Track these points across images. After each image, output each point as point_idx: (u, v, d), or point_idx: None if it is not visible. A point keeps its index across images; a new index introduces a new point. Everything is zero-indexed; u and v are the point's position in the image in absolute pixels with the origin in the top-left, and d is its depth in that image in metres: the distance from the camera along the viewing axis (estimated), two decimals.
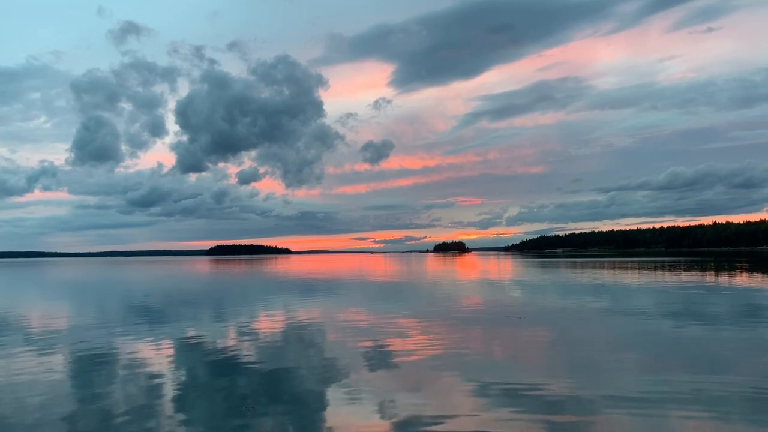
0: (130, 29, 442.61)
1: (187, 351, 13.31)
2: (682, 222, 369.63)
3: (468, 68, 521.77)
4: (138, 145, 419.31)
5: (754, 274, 42.85)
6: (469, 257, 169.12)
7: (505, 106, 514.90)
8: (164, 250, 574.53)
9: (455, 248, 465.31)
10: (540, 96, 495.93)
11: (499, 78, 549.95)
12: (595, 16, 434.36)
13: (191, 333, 16.15)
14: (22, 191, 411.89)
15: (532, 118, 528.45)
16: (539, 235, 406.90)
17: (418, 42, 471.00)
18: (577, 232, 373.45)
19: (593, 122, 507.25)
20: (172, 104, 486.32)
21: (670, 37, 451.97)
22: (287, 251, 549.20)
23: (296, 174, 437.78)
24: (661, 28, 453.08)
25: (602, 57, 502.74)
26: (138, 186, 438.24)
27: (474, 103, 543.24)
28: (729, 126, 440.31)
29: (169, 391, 9.53)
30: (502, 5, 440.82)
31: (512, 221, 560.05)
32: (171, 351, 13.38)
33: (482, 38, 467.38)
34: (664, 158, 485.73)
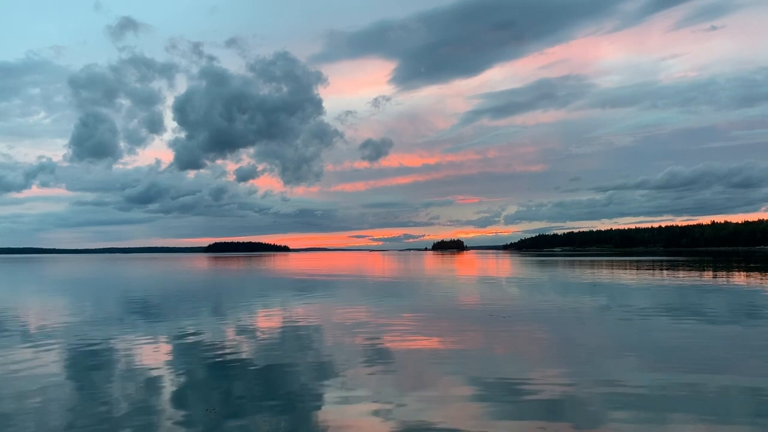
0: (127, 25, 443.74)
1: (183, 348, 13.11)
2: (680, 221, 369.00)
3: (469, 66, 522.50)
4: (136, 141, 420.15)
5: (752, 273, 42.55)
6: (468, 255, 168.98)
7: (506, 104, 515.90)
8: (162, 247, 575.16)
9: (453, 246, 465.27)
10: (541, 94, 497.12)
11: (501, 76, 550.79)
12: (598, 14, 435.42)
13: (188, 330, 15.93)
14: (19, 187, 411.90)
15: (533, 117, 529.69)
16: (537, 234, 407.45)
17: (419, 39, 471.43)
18: (575, 231, 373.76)
19: (594, 121, 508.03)
20: (170, 101, 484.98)
21: (672, 35, 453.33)
22: (285, 249, 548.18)
23: (295, 171, 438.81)
24: (663, 27, 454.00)
25: (604, 55, 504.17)
26: (136, 183, 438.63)
27: (475, 101, 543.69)
28: (730, 125, 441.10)
29: (160, 388, 9.37)
30: (505, 2, 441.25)
31: (511, 220, 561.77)
32: (166, 348, 13.19)
33: (484, 35, 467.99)
34: (664, 157, 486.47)
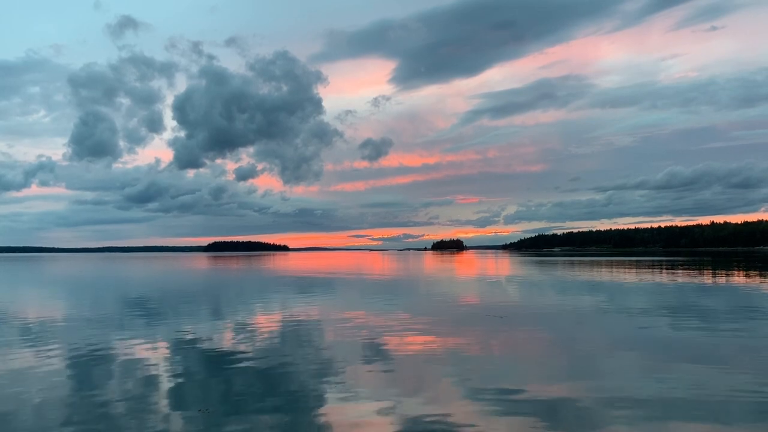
0: (127, 24, 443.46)
1: (181, 348, 13.01)
2: (679, 222, 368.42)
3: (469, 66, 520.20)
4: (136, 140, 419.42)
5: (751, 273, 42.47)
6: (467, 255, 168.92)
7: (505, 104, 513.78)
8: (161, 246, 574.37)
9: (453, 246, 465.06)
10: (541, 94, 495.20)
11: (501, 76, 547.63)
12: (598, 14, 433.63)
13: (187, 330, 15.84)
14: (19, 186, 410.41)
15: (533, 117, 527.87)
16: (537, 234, 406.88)
17: (419, 39, 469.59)
18: (574, 231, 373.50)
19: (594, 121, 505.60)
20: (169, 100, 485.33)
21: (672, 35, 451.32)
22: (285, 248, 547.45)
23: (294, 171, 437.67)
24: (663, 27, 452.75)
25: (604, 55, 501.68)
26: (135, 182, 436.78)
27: (475, 100, 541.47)
28: (729, 125, 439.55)
29: (155, 388, 9.31)
30: (505, 2, 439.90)
31: (510, 220, 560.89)
32: (164, 348, 13.09)
33: (484, 35, 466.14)
34: (664, 157, 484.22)
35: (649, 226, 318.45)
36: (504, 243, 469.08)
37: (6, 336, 14.97)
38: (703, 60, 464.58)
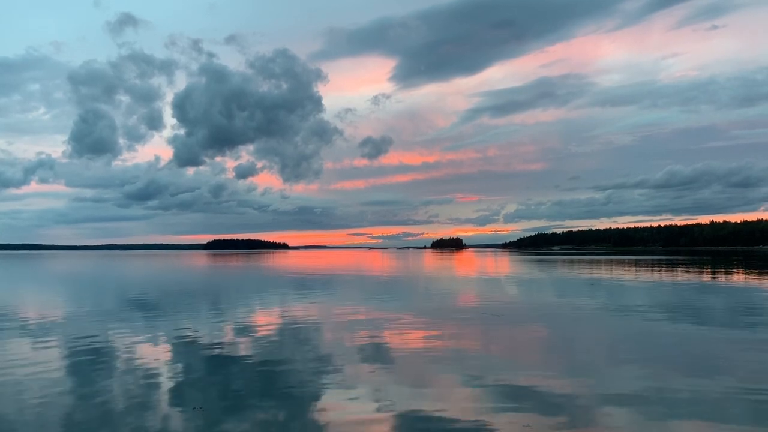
0: (127, 21, 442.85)
1: (179, 346, 12.99)
2: (679, 221, 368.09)
3: (469, 64, 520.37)
4: (135, 138, 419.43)
5: (751, 273, 42.46)
6: (467, 254, 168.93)
7: (506, 103, 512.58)
8: (161, 244, 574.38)
9: (452, 245, 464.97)
10: (541, 93, 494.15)
11: (501, 74, 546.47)
12: (599, 12, 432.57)
13: (187, 328, 15.79)
14: (18, 183, 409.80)
15: (533, 115, 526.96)
16: (537, 233, 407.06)
17: (419, 37, 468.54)
18: (574, 229, 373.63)
19: (594, 120, 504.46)
20: (169, 97, 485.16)
21: (673, 34, 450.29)
22: (284, 246, 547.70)
23: (294, 169, 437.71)
24: (664, 26, 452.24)
25: (605, 54, 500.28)
26: (135, 179, 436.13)
27: (475, 99, 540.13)
28: (730, 125, 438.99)
29: (152, 385, 9.28)
30: (505, 1, 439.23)
31: (510, 218, 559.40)
32: (162, 345, 13.07)
33: (484, 34, 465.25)
34: (664, 156, 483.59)
35: (649, 225, 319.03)
36: (503, 242, 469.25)
37: (6, 334, 14.92)
38: (704, 59, 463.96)
